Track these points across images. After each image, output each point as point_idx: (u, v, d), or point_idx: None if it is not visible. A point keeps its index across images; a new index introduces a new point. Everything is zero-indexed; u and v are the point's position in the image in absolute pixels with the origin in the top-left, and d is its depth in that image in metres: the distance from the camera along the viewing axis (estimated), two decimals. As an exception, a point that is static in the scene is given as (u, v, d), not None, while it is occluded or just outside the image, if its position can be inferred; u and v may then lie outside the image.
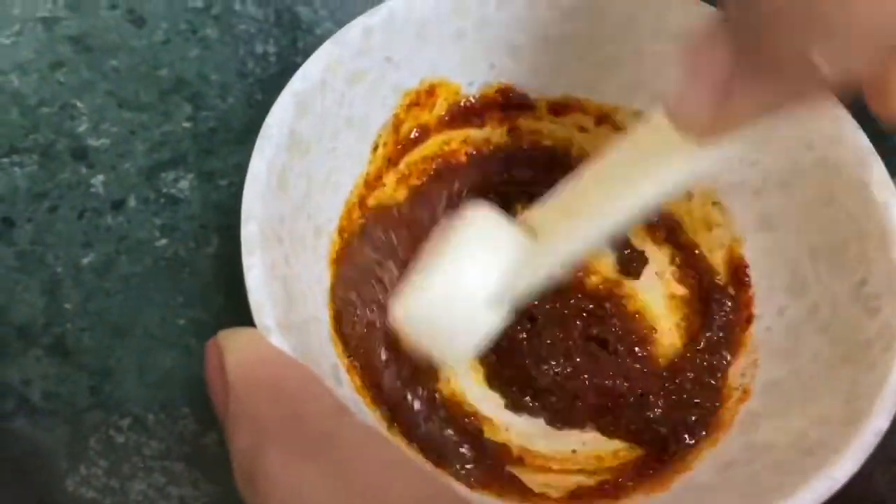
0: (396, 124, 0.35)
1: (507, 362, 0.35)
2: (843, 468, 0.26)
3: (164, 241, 0.39)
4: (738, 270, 0.35)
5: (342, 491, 0.21)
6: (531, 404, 0.35)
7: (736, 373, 0.34)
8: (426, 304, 0.29)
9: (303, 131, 0.30)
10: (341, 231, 0.34)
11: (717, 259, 0.36)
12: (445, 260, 0.29)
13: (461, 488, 0.30)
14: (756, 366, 0.33)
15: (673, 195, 0.27)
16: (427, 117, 0.36)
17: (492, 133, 0.38)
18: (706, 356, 0.35)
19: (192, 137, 0.41)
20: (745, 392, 0.33)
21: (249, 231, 0.27)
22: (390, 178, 0.36)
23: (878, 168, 0.31)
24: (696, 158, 0.25)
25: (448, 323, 0.28)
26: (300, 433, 0.22)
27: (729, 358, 0.34)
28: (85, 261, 0.38)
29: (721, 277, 0.36)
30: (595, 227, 0.27)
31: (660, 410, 0.34)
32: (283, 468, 0.22)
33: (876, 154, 0.31)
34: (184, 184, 0.40)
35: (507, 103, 0.37)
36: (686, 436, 0.33)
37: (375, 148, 0.35)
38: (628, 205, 0.27)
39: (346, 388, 0.30)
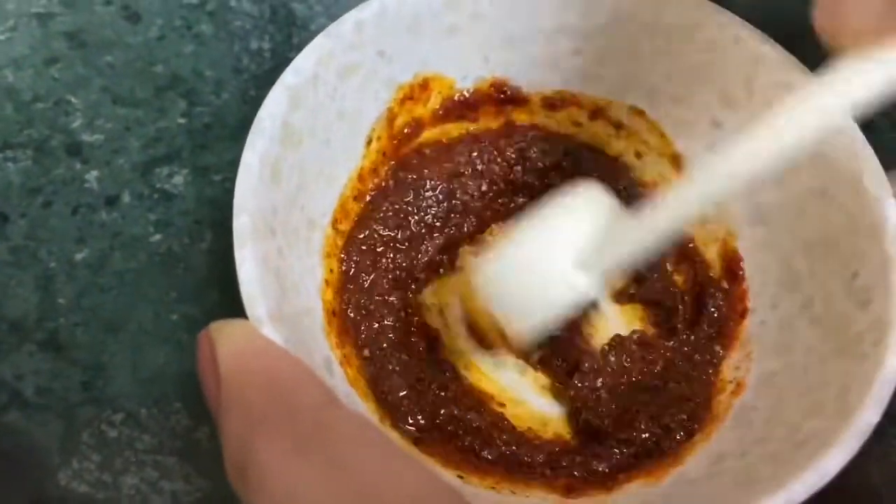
0: (390, 118, 0.35)
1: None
2: (834, 460, 0.26)
3: (158, 237, 0.39)
4: (731, 264, 0.35)
5: (335, 485, 0.21)
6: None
7: (730, 366, 0.34)
8: (503, 266, 0.28)
9: (295, 124, 0.30)
10: (335, 224, 0.34)
11: (712, 253, 0.36)
12: (530, 227, 0.28)
13: (454, 480, 0.30)
14: (750, 359, 0.33)
15: (802, 145, 0.25)
16: (421, 111, 0.36)
17: (487, 127, 0.38)
18: (699, 350, 0.35)
19: (187, 133, 0.41)
20: (739, 385, 0.33)
21: (241, 223, 0.27)
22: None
23: (871, 161, 0.31)
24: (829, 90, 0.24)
25: (524, 290, 0.28)
26: (292, 424, 0.22)
27: (722, 352, 0.34)
28: (78, 256, 0.38)
29: (715, 271, 0.36)
30: (704, 189, 0.26)
31: (651, 409, 0.34)
32: (275, 459, 0.22)
33: (870, 147, 0.31)
34: (178, 179, 0.40)
35: (501, 98, 0.37)
36: (681, 433, 0.33)
37: (369, 142, 0.35)
38: (744, 158, 0.25)
39: (339, 381, 0.30)
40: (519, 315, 0.28)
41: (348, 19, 0.32)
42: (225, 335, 0.25)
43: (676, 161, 0.37)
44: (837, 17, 0.23)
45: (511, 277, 0.28)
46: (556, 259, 0.27)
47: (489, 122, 0.38)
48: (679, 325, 0.36)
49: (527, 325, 0.29)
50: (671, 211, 0.27)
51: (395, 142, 0.36)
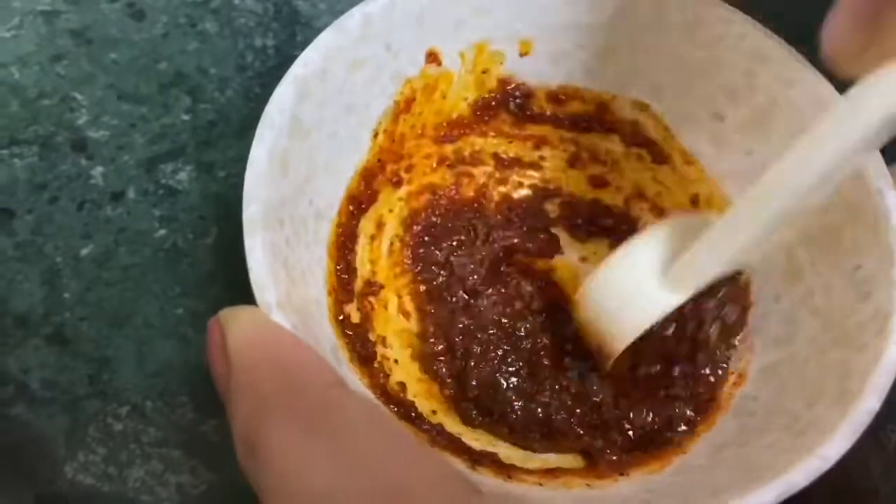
0: (397, 112, 0.35)
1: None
2: (834, 447, 0.26)
3: (162, 232, 0.39)
4: (734, 257, 0.36)
5: (343, 465, 0.21)
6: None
7: (732, 358, 0.34)
8: (598, 285, 0.33)
9: (304, 116, 0.31)
10: (342, 215, 0.34)
11: None
12: (625, 249, 0.33)
13: (461, 466, 0.30)
14: (751, 351, 0.34)
15: (848, 159, 0.28)
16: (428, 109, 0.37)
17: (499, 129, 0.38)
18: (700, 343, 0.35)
19: (191, 130, 0.42)
20: (741, 377, 0.33)
21: (251, 212, 0.27)
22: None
23: (873, 154, 0.31)
24: (851, 111, 0.26)
25: (616, 303, 0.32)
26: (302, 405, 0.22)
27: (724, 345, 0.35)
28: (84, 251, 0.39)
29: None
30: (773, 205, 0.29)
31: (654, 399, 0.34)
32: (285, 440, 0.22)
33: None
34: (182, 175, 0.41)
35: (505, 92, 0.37)
36: (683, 423, 0.33)
37: (376, 135, 0.35)
38: (798, 180, 0.28)
39: (346, 370, 0.30)
40: (608, 326, 0.33)
41: (356, 13, 0.32)
42: (235, 320, 0.25)
43: (682, 155, 0.37)
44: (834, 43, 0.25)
45: (600, 297, 0.33)
46: (638, 280, 0.32)
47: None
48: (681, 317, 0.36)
49: (615, 332, 0.33)
50: (747, 221, 0.30)
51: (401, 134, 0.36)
